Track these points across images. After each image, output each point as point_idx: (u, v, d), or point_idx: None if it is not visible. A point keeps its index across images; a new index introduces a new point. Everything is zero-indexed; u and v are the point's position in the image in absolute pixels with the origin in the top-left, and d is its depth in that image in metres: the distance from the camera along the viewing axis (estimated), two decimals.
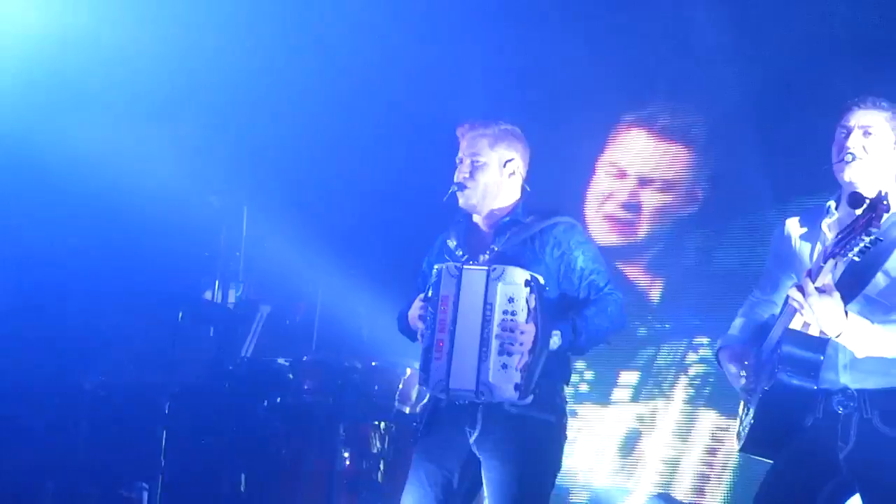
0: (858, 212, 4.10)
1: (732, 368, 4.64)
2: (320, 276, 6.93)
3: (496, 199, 5.05)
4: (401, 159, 7.71)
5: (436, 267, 4.99)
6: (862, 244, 4.07)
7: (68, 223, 7.45)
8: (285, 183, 7.77)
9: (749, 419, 4.59)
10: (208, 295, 7.52)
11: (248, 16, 7.67)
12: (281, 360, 6.78)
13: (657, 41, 7.50)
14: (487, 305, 4.83)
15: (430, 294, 4.92)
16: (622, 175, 7.77)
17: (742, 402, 4.64)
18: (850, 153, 4.45)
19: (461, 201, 5.05)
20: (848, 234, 4.05)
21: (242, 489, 6.61)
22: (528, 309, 4.85)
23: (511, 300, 4.85)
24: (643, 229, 7.76)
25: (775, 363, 4.45)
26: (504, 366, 4.80)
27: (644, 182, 7.77)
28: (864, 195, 4.08)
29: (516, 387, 4.74)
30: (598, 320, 4.91)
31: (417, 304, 4.98)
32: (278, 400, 6.69)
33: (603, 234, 7.59)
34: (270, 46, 7.92)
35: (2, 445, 7.03)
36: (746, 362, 4.66)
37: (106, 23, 7.67)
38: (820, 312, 4.23)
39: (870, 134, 4.47)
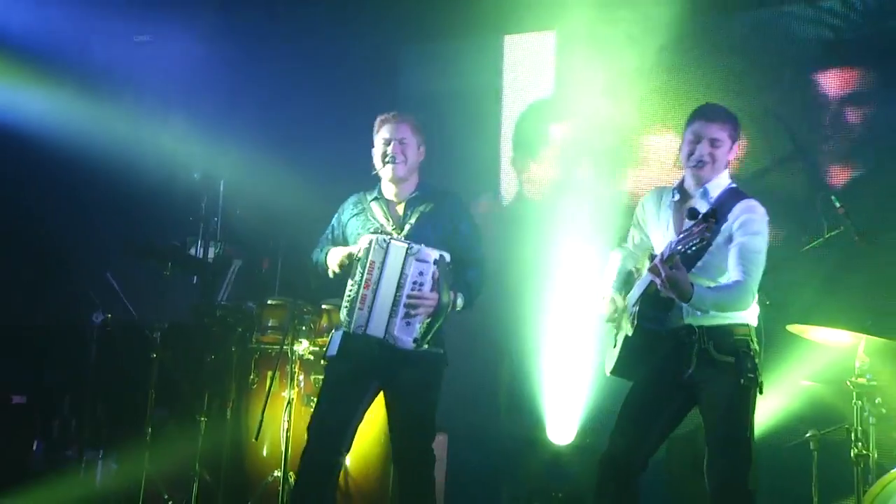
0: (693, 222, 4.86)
1: (601, 305, 5.51)
2: (280, 238, 7.45)
3: (412, 175, 5.92)
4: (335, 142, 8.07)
5: (368, 237, 5.69)
6: (697, 245, 4.87)
7: (86, 194, 8.28)
8: (252, 162, 8.11)
9: (616, 351, 5.43)
10: (192, 251, 7.88)
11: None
12: (250, 304, 7.29)
13: None
14: (403, 275, 5.59)
15: (359, 255, 5.64)
16: None
17: (613, 335, 5.48)
18: (701, 161, 5.30)
19: (391, 174, 5.82)
20: (688, 237, 4.91)
21: (218, 405, 7.15)
22: (433, 281, 5.61)
23: (421, 273, 5.60)
24: None
25: (636, 315, 5.30)
26: (408, 323, 5.59)
27: None
28: (699, 210, 4.89)
29: (414, 340, 5.58)
30: (480, 282, 5.84)
31: (338, 256, 5.74)
32: (247, 334, 7.22)
33: None
34: (232, 52, 8.55)
35: (29, 368, 7.75)
36: (614, 304, 5.49)
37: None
38: (674, 288, 5.02)
39: (718, 145, 5.27)
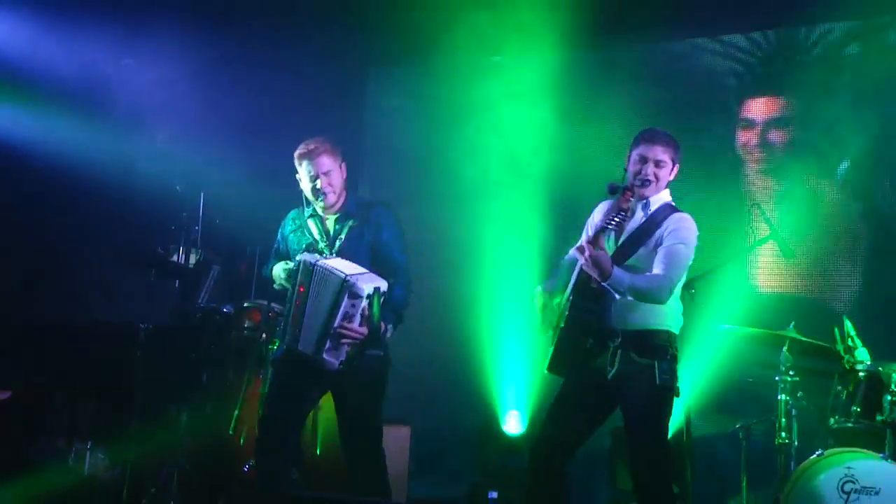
0: (613, 197, 5.27)
1: (538, 304, 5.61)
2: (256, 245, 7.36)
3: (340, 196, 6.01)
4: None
5: (299, 257, 5.75)
6: (618, 218, 5.27)
7: (79, 204, 8.41)
8: (230, 175, 8.26)
9: (551, 349, 5.51)
10: (175, 258, 7.96)
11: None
12: (228, 306, 7.43)
13: None
14: (336, 305, 5.63)
15: (291, 273, 5.75)
16: None
17: (549, 334, 5.55)
18: (647, 180, 5.48)
19: (323, 205, 5.93)
20: (608, 214, 5.33)
21: (198, 400, 7.31)
22: (363, 316, 5.66)
23: (353, 306, 5.63)
24: None
25: (568, 304, 5.45)
26: (335, 347, 5.67)
27: None
28: (617, 184, 5.29)
29: (340, 363, 5.67)
30: (405, 297, 5.89)
31: (279, 271, 5.92)
32: (225, 335, 7.35)
33: None
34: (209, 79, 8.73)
35: (30, 367, 7.80)
36: (542, 300, 5.60)
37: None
38: (595, 264, 5.24)
39: (662, 166, 5.49)
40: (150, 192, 8.23)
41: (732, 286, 7.54)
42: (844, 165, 7.66)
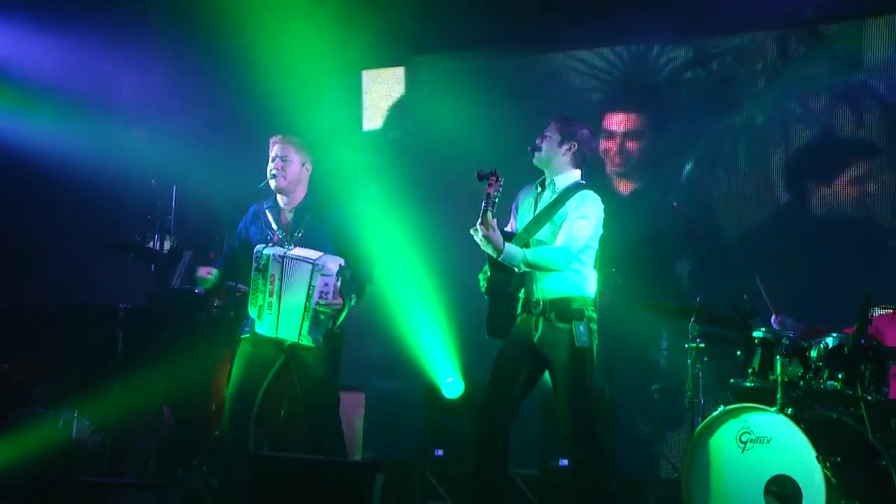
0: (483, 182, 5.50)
1: (481, 277, 5.86)
2: (224, 232, 7.16)
3: (297, 187, 6.29)
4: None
5: (265, 252, 6.03)
6: (490, 200, 5.48)
7: (61, 196, 8.99)
8: (199, 168, 8.56)
9: (486, 317, 5.88)
10: (150, 244, 8.01)
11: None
12: (199, 288, 7.28)
13: None
14: (311, 287, 5.98)
15: (260, 266, 6.03)
16: None
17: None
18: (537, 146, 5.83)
19: (274, 186, 6.20)
20: (486, 197, 5.52)
21: (173, 373, 7.44)
22: (337, 289, 6.02)
23: (326, 284, 6.00)
24: None
25: (487, 280, 5.83)
26: (317, 324, 6.03)
27: None
28: (484, 171, 5.52)
29: (322, 337, 6.05)
30: (368, 278, 6.23)
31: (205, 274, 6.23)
32: (196, 314, 7.60)
33: None
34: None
35: (21, 346, 8.23)
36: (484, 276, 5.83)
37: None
38: (487, 245, 5.56)
39: (545, 137, 5.79)
40: (128, 186, 8.53)
41: (650, 266, 8.16)
42: (689, 166, 8.56)
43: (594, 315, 5.80)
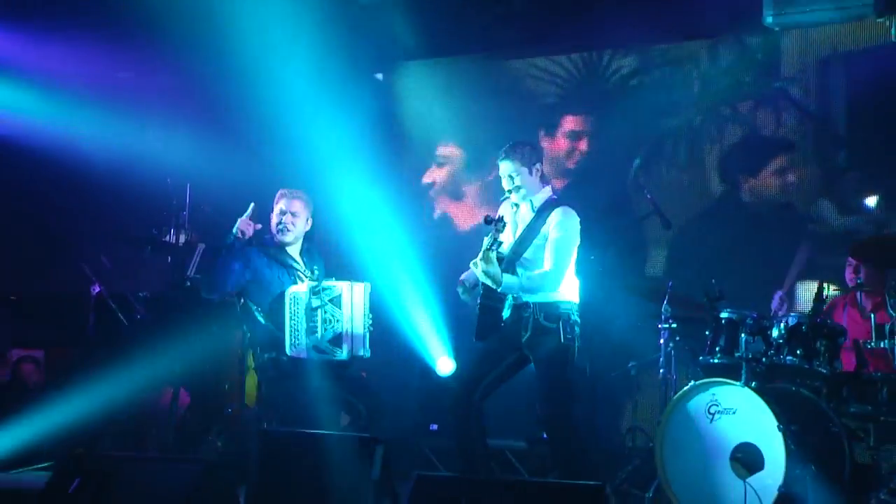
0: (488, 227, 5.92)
1: (460, 290, 6.36)
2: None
3: (299, 239, 6.91)
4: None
5: (289, 292, 6.57)
6: (494, 243, 5.90)
7: (86, 191, 9.49)
8: (215, 169, 8.79)
9: (476, 322, 6.22)
10: (167, 238, 8.29)
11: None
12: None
13: None
14: (366, 306, 6.65)
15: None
16: None
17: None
18: (510, 190, 6.21)
19: (281, 239, 6.83)
20: (492, 238, 5.94)
21: (189, 353, 7.48)
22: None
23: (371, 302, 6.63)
24: None
25: (479, 295, 6.20)
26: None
27: None
28: (491, 217, 5.93)
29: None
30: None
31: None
32: (208, 301, 7.51)
33: None
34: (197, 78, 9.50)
35: (53, 331, 8.71)
36: (465, 285, 6.27)
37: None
38: (487, 279, 5.97)
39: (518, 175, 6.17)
40: (146, 184, 8.81)
41: (629, 253, 8.66)
42: (637, 163, 9.27)
43: (578, 319, 6.16)
